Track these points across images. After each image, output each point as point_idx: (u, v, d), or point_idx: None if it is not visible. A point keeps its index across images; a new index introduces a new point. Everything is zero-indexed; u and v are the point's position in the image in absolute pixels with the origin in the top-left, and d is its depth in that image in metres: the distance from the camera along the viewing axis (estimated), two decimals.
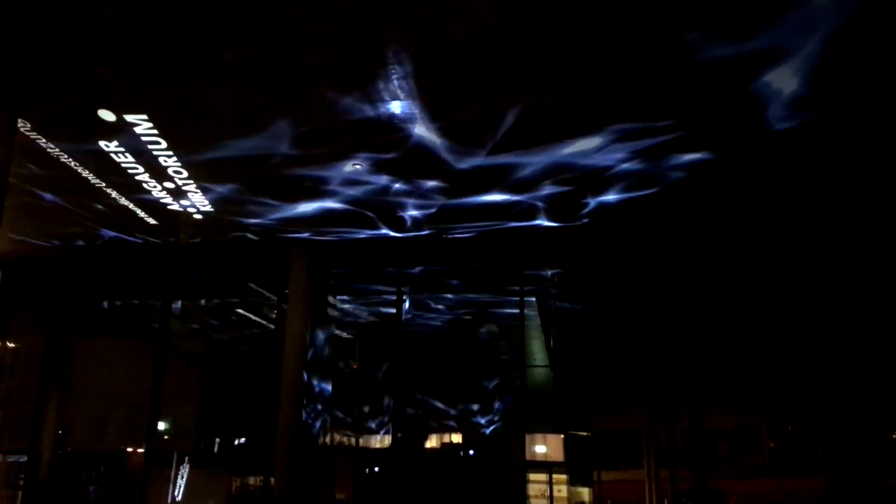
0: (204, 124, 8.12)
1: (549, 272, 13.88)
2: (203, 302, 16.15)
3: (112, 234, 12.14)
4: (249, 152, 8.75)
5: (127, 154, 8.85)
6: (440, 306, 15.82)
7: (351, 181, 9.61)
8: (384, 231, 11.76)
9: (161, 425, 14.73)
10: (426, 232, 11.50)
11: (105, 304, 16.03)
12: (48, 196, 10.45)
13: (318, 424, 13.22)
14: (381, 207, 10.59)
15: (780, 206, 10.62)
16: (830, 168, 9.31)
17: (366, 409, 16.89)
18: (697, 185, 9.65)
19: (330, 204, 10.52)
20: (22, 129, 8.12)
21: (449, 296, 15.35)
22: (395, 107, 7.50)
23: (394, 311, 13.89)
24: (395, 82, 7.00)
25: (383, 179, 9.57)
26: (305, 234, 12.10)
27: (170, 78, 7.14)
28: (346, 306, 15.86)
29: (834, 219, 11.13)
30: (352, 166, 9.11)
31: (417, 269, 13.82)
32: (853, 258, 12.34)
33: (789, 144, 8.43)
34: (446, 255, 13.26)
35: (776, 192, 10.03)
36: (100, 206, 10.81)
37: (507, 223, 11.25)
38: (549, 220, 10.97)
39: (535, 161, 8.95)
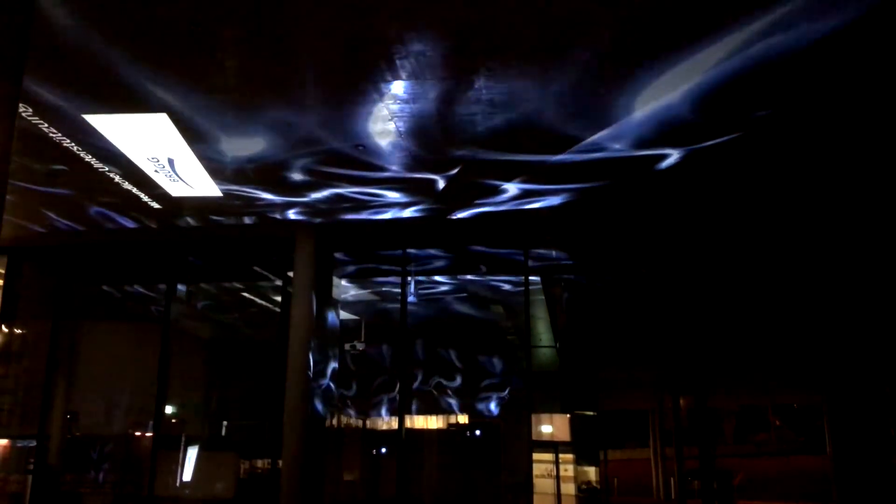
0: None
1: (554, 252, 13.85)
2: (208, 286, 16.17)
3: (116, 218, 12.14)
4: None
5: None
6: (445, 287, 15.84)
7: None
8: (390, 213, 11.75)
9: (169, 409, 14.80)
10: (432, 207, 11.44)
11: (111, 289, 16.06)
12: (51, 181, 10.45)
13: (324, 406, 13.27)
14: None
15: (785, 186, 10.56)
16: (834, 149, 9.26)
17: (372, 390, 16.94)
18: (704, 165, 9.61)
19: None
20: (23, 114, 8.10)
21: (453, 278, 15.36)
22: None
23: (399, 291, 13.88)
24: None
25: None
26: (310, 218, 12.08)
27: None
28: (352, 290, 15.88)
29: (839, 200, 11.07)
30: None
31: (423, 251, 13.79)
32: (858, 237, 12.29)
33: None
34: (451, 236, 13.23)
35: (786, 171, 9.97)
36: (103, 191, 10.80)
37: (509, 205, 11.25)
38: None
39: None
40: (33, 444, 13.93)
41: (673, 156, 9.27)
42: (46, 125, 8.52)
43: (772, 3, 6.10)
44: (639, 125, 8.38)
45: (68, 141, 8.96)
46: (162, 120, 8.39)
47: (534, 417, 14.17)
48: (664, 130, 8.54)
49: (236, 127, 8.58)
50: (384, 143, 8.93)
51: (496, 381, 17.13)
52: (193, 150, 9.27)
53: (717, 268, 13.43)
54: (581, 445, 15.40)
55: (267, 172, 10.09)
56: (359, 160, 9.49)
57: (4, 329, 14.53)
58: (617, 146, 8.97)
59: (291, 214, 11.92)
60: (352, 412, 17.23)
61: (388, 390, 16.70)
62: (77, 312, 15.04)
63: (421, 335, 16.61)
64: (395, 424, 14.31)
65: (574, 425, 15.53)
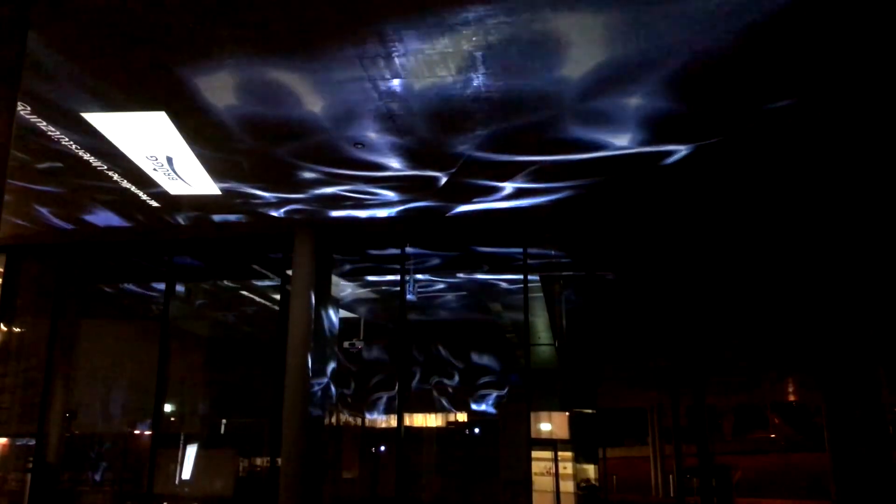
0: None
1: (553, 252, 13.85)
2: (207, 284, 16.17)
3: (114, 216, 12.13)
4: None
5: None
6: (444, 285, 15.84)
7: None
8: (389, 211, 11.75)
9: (167, 407, 14.80)
10: (431, 204, 11.42)
11: (109, 287, 16.05)
12: (49, 179, 10.44)
13: (323, 404, 13.27)
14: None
15: (783, 185, 10.57)
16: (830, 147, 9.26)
17: (371, 389, 16.96)
18: (702, 162, 9.61)
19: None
20: (22, 113, 8.10)
21: (452, 276, 15.36)
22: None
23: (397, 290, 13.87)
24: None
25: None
26: (309, 216, 12.07)
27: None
28: (350, 288, 15.88)
29: (837, 197, 11.08)
30: None
31: (422, 249, 13.78)
32: (856, 234, 12.29)
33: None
34: (450, 234, 13.22)
35: (783, 170, 9.98)
36: (101, 189, 10.80)
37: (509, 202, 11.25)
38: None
39: None
40: (32, 442, 13.94)
41: (677, 153, 9.27)
42: (45, 123, 8.52)
43: None
44: (638, 121, 8.40)
45: (66, 139, 8.95)
46: (160, 118, 8.39)
47: (532, 415, 14.16)
48: (663, 127, 8.56)
49: (235, 124, 8.58)
50: (383, 141, 8.93)
51: (495, 379, 17.15)
52: (192, 149, 9.27)
53: (715, 266, 13.43)
54: (580, 443, 15.40)
55: (266, 171, 10.09)
56: (358, 158, 9.49)
57: (3, 327, 14.52)
58: (618, 143, 8.98)
59: (290, 213, 11.92)
60: (351, 410, 17.24)
61: (387, 388, 16.72)
62: (76, 310, 15.05)
63: (420, 333, 16.61)
64: (393, 422, 14.32)
65: (573, 423, 15.53)
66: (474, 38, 6.64)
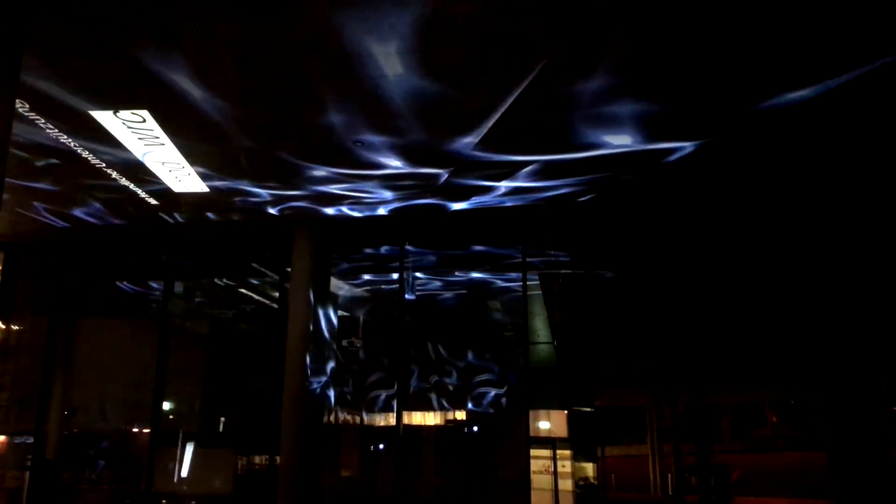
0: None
1: (552, 250, 13.84)
2: (206, 282, 16.15)
3: (113, 214, 12.11)
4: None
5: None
6: (443, 283, 15.83)
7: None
8: (388, 209, 11.74)
9: (166, 405, 14.80)
10: (430, 202, 11.41)
11: (108, 285, 16.03)
12: (48, 176, 10.43)
13: (322, 403, 13.26)
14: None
15: (782, 184, 10.57)
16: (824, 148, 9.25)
17: (370, 387, 16.94)
18: (704, 161, 9.60)
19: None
20: (21, 110, 8.08)
21: (451, 274, 15.35)
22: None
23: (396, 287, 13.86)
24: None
25: None
26: (307, 214, 12.05)
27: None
28: (349, 286, 15.86)
29: (834, 196, 11.07)
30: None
31: (420, 247, 13.78)
32: (854, 231, 12.29)
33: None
34: (449, 233, 13.22)
35: (784, 169, 9.97)
36: (100, 187, 10.78)
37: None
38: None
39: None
40: (31, 440, 13.93)
41: (679, 151, 9.26)
42: (43, 121, 8.50)
43: None
44: (639, 121, 8.40)
45: (65, 136, 8.93)
46: (159, 116, 8.38)
47: (531, 414, 14.16)
48: (663, 126, 8.55)
49: (233, 123, 8.56)
50: (382, 139, 8.92)
51: (494, 377, 17.13)
52: (190, 147, 9.26)
53: (713, 264, 13.42)
54: (578, 441, 15.39)
55: (264, 169, 10.09)
56: (357, 157, 9.48)
57: (1, 325, 14.51)
58: (618, 142, 8.97)
59: (289, 210, 11.91)
60: (349, 408, 17.22)
61: (385, 387, 16.70)
62: (74, 308, 15.03)
63: (418, 331, 16.59)
64: (392, 421, 14.31)
65: (571, 421, 15.52)
66: (472, 37, 6.63)
